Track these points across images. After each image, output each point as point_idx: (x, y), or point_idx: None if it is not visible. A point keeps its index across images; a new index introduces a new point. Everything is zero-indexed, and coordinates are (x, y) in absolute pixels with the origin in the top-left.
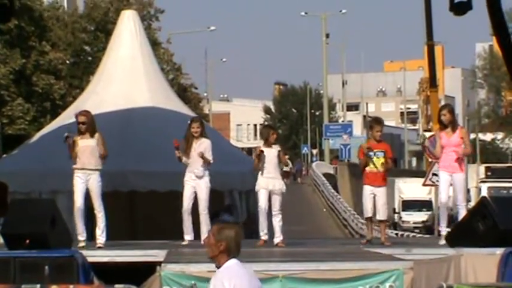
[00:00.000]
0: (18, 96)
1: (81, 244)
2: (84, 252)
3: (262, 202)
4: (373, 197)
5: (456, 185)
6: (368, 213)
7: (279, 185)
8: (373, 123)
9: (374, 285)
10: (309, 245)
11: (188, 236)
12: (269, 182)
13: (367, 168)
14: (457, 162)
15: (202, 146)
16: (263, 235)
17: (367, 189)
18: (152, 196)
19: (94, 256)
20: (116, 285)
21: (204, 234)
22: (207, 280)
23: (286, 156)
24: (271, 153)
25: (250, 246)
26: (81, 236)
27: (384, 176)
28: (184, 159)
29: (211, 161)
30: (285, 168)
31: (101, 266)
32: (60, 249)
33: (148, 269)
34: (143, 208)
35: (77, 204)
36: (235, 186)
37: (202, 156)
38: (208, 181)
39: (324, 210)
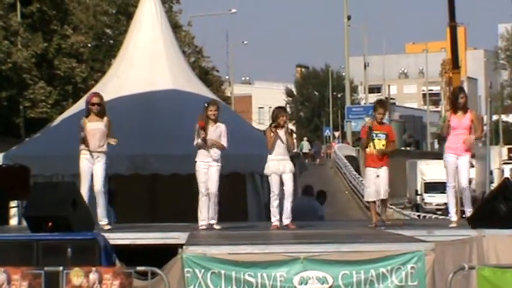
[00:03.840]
0: (40, 80)
1: (106, 227)
2: (106, 235)
3: (275, 187)
4: (376, 177)
5: (462, 167)
6: (371, 196)
7: (288, 166)
8: (376, 104)
9: (395, 266)
10: (330, 227)
11: (204, 222)
12: (279, 164)
13: (367, 150)
14: (464, 144)
15: (218, 130)
16: (275, 221)
17: (371, 172)
18: (174, 179)
19: (116, 239)
20: (138, 268)
21: (211, 215)
22: (228, 262)
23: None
24: (281, 135)
25: (266, 229)
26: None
27: (384, 158)
28: (199, 141)
29: (226, 147)
30: (304, 150)
31: (122, 249)
32: (83, 231)
33: (169, 251)
34: (165, 191)
35: (85, 188)
36: (257, 169)
37: (214, 143)
38: (220, 164)
39: (346, 192)
